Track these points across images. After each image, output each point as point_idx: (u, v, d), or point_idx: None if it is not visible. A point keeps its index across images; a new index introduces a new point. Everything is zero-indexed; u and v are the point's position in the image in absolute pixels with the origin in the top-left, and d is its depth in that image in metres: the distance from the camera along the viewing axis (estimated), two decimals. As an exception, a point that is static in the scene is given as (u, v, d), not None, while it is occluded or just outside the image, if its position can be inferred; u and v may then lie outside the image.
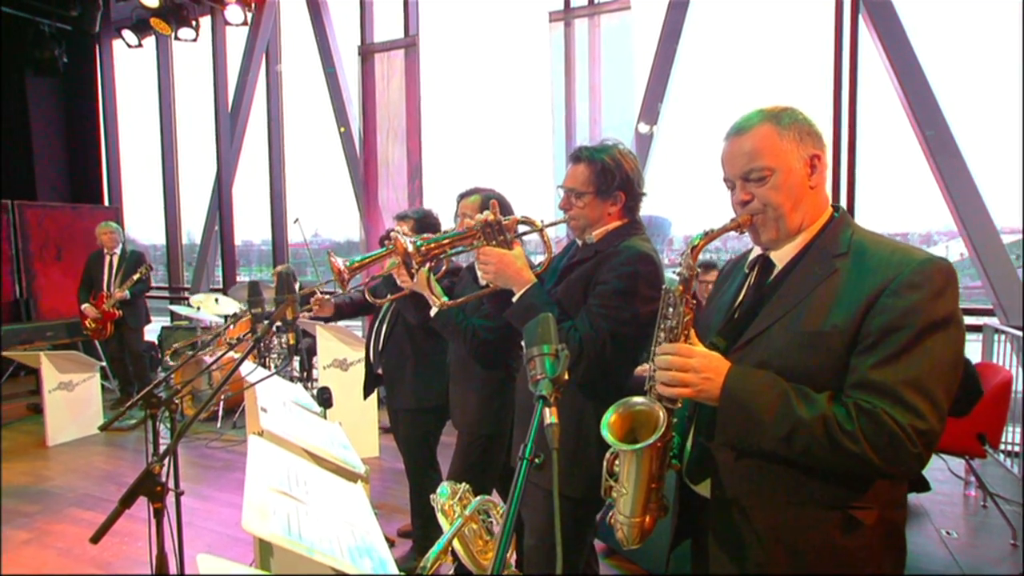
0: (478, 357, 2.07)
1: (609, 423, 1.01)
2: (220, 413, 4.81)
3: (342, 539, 1.22)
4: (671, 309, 1.05)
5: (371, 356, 2.85)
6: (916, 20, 4.55)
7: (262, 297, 1.62)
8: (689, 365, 1.01)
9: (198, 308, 5.04)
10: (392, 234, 2.00)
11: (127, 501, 1.06)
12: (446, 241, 1.56)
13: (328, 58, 6.75)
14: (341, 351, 3.98)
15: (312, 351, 5.20)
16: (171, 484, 1.34)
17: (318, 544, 1.12)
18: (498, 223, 1.55)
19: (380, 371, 2.79)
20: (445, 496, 1.04)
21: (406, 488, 2.82)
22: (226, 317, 5.12)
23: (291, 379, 4.88)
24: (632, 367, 1.64)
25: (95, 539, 1.05)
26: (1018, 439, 3.88)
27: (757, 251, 1.17)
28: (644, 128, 5.51)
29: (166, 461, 1.23)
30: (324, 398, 2.39)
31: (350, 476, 1.68)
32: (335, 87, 6.79)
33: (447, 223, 2.75)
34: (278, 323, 1.38)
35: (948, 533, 3.07)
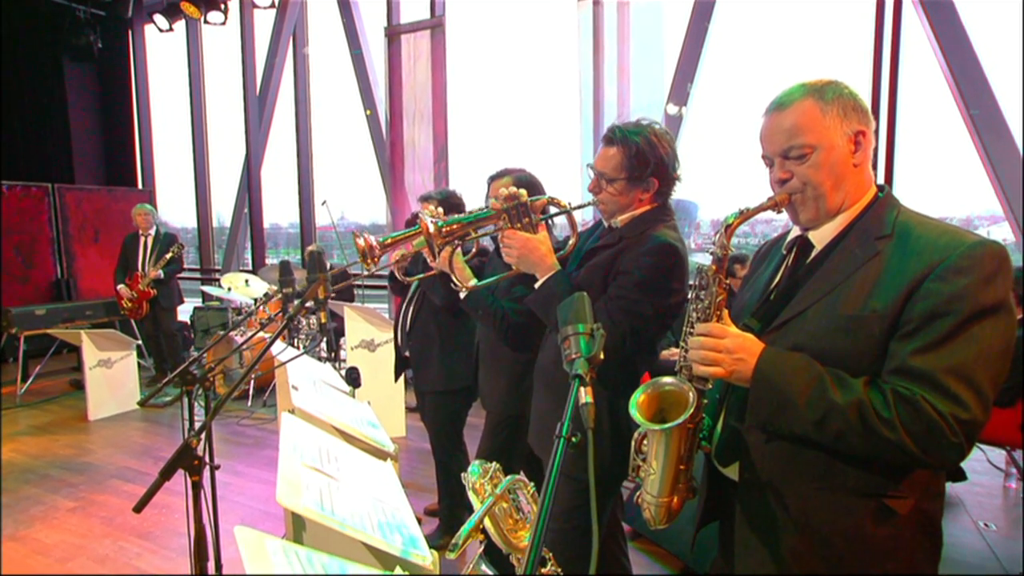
0: (508, 340, 2.06)
1: (638, 403, 1.00)
2: (251, 392, 4.93)
3: (372, 515, 1.24)
4: (704, 289, 1.03)
5: (399, 338, 2.87)
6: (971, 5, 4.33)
7: (293, 277, 1.64)
8: (722, 345, 0.98)
9: (229, 289, 5.14)
10: (418, 215, 2.00)
11: (167, 473, 1.09)
12: (469, 222, 1.55)
13: (355, 40, 6.75)
14: (369, 332, 4.03)
15: (339, 331, 5.28)
16: (206, 459, 1.37)
17: (350, 519, 1.14)
18: (523, 205, 1.52)
19: (407, 353, 2.82)
20: (476, 475, 1.04)
21: (432, 468, 2.86)
22: (256, 299, 5.22)
23: (319, 359, 4.97)
24: (651, 357, 1.61)
25: (138, 508, 1.08)
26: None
27: (796, 232, 1.13)
28: (673, 109, 5.39)
29: (202, 436, 1.26)
30: (353, 378, 2.42)
31: (380, 454, 1.70)
32: (361, 69, 6.79)
33: (473, 205, 2.74)
34: (309, 302, 1.39)
35: (986, 525, 2.99)
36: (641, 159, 1.48)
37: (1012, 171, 4.39)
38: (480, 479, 1.03)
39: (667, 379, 1.03)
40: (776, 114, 1.05)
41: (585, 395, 0.77)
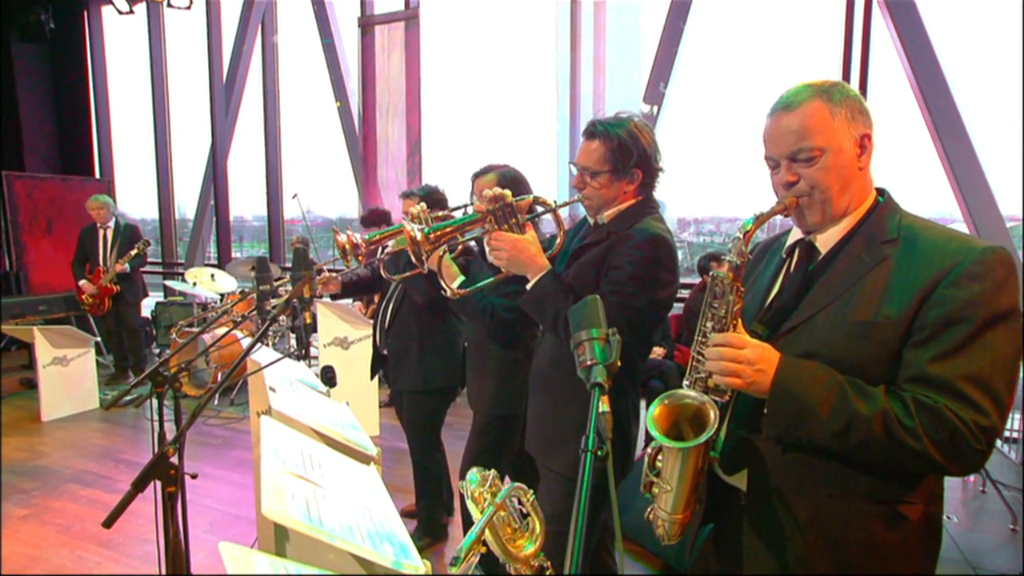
0: (496, 337, 2.02)
1: (654, 417, 0.96)
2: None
3: (361, 524, 1.18)
4: (719, 298, 1.00)
5: (377, 336, 2.80)
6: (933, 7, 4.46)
7: (270, 274, 1.57)
8: (743, 356, 0.96)
9: (194, 284, 4.96)
10: (404, 218, 1.94)
11: (140, 485, 1.02)
12: (456, 227, 1.50)
13: (326, 29, 6.58)
14: (342, 329, 3.93)
15: (310, 328, 5.15)
16: (183, 468, 1.29)
17: (339, 530, 1.08)
18: (509, 206, 1.48)
19: (385, 351, 2.75)
20: (475, 483, 1.00)
21: (407, 467, 2.81)
22: (223, 294, 5.05)
23: (290, 357, 4.83)
24: (647, 351, 1.60)
25: (108, 523, 1.00)
26: (1017, 426, 3.91)
27: (796, 235, 1.11)
28: (645, 108, 5.42)
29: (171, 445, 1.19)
30: (328, 377, 2.34)
31: (362, 458, 1.64)
32: (333, 59, 6.63)
33: (454, 201, 2.68)
34: (294, 301, 1.32)
35: (948, 517, 3.09)
36: (624, 151, 1.46)
37: (970, 173, 4.55)
38: (479, 487, 0.99)
39: (686, 392, 1.01)
40: (783, 114, 1.03)
41: (602, 404, 0.74)
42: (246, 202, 7.58)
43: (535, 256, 1.47)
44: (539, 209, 1.54)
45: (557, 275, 1.48)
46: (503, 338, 2.06)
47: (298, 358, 4.91)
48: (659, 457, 1.01)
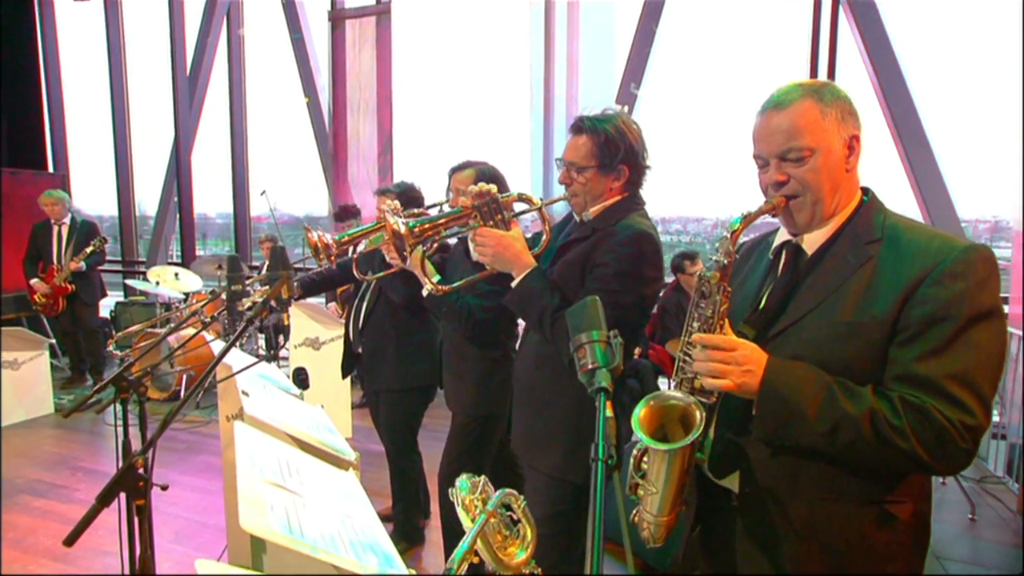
0: (473, 337, 1.99)
1: (640, 418, 0.95)
2: (182, 392, 4.60)
3: (343, 534, 1.14)
4: (706, 298, 0.99)
5: (350, 335, 2.73)
6: (893, 9, 4.59)
7: (243, 273, 1.50)
8: (731, 357, 0.95)
9: (157, 283, 4.77)
10: (381, 214, 1.89)
11: (106, 499, 0.95)
12: (441, 221, 1.47)
13: (295, 23, 6.42)
14: (313, 329, 3.83)
15: (279, 329, 5.02)
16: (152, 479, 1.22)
17: (320, 542, 1.03)
18: (495, 201, 1.45)
19: (360, 351, 2.69)
20: (466, 490, 0.96)
21: (381, 470, 2.75)
22: (187, 293, 4.87)
23: (258, 358, 4.70)
24: (632, 350, 1.59)
25: (69, 541, 0.94)
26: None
27: (783, 236, 1.11)
28: (617, 108, 5.45)
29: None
30: (301, 379, 2.28)
31: (341, 463, 1.59)
32: (302, 54, 6.48)
33: (430, 199, 2.64)
34: (273, 302, 1.26)
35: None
36: (611, 146, 1.45)
37: (930, 177, 4.70)
38: (470, 495, 0.96)
39: (672, 393, 0.99)
40: (774, 113, 1.02)
41: (607, 409, 0.71)
42: (210, 199, 7.35)
43: (520, 253, 1.45)
44: (524, 206, 1.52)
45: (543, 273, 1.46)
46: (481, 338, 2.03)
47: (268, 360, 4.79)
48: (644, 459, 1.00)
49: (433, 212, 2.19)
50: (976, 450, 0.89)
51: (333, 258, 1.91)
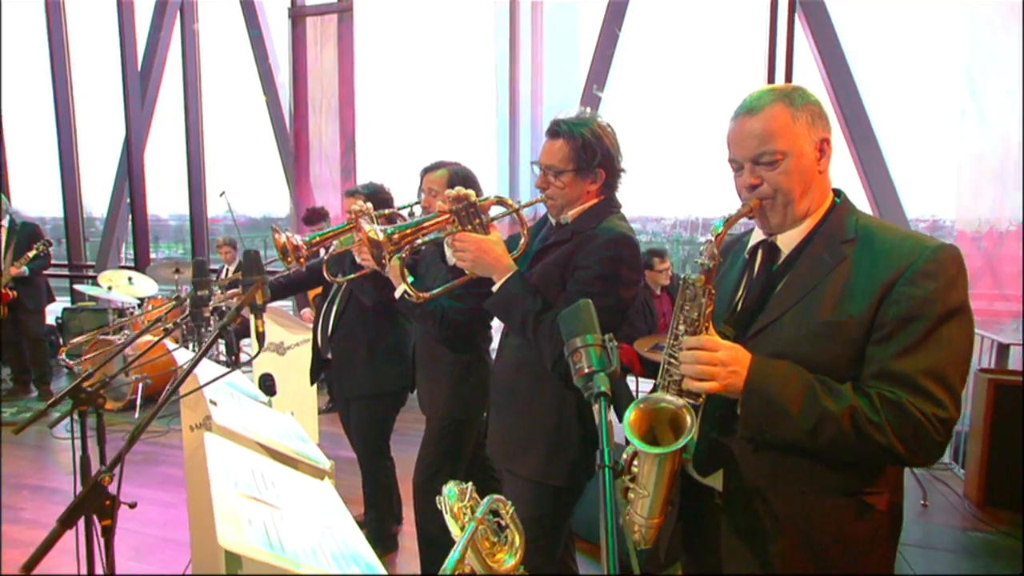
0: (447, 340, 1.96)
1: (630, 421, 0.95)
2: (138, 402, 4.41)
3: (325, 546, 1.11)
4: (691, 301, 1.01)
5: (319, 340, 2.67)
6: (845, 17, 4.78)
7: (210, 277, 1.44)
8: (716, 359, 0.96)
9: (109, 288, 4.56)
10: (357, 221, 1.85)
11: (69, 521, 0.90)
12: (419, 227, 1.44)
13: (253, 19, 6.24)
14: (278, 334, 3.73)
15: (241, 333, 4.87)
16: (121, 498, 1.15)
17: (302, 556, 1.00)
18: (472, 205, 1.44)
19: (329, 356, 2.63)
20: (454, 498, 0.95)
21: (351, 476, 2.70)
22: (142, 299, 4.68)
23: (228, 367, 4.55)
24: None
25: (28, 567, 0.88)
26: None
27: (758, 236, 1.14)
28: (591, 111, 5.49)
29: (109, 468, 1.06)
30: (268, 386, 2.22)
31: (316, 472, 1.55)
32: (261, 51, 6.30)
33: (399, 200, 2.60)
34: (246, 308, 1.22)
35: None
36: (588, 150, 1.46)
37: (879, 178, 4.90)
38: (458, 502, 0.94)
39: (662, 396, 1.00)
40: (746, 118, 1.04)
41: (597, 413, 0.71)
42: (163, 200, 7.08)
43: (501, 257, 1.44)
44: (501, 210, 1.51)
45: (524, 276, 1.46)
46: (455, 341, 2.01)
47: (227, 366, 4.63)
48: (635, 462, 1.00)
49: (405, 213, 2.17)
50: (948, 442, 0.92)
51: (303, 260, 1.86)
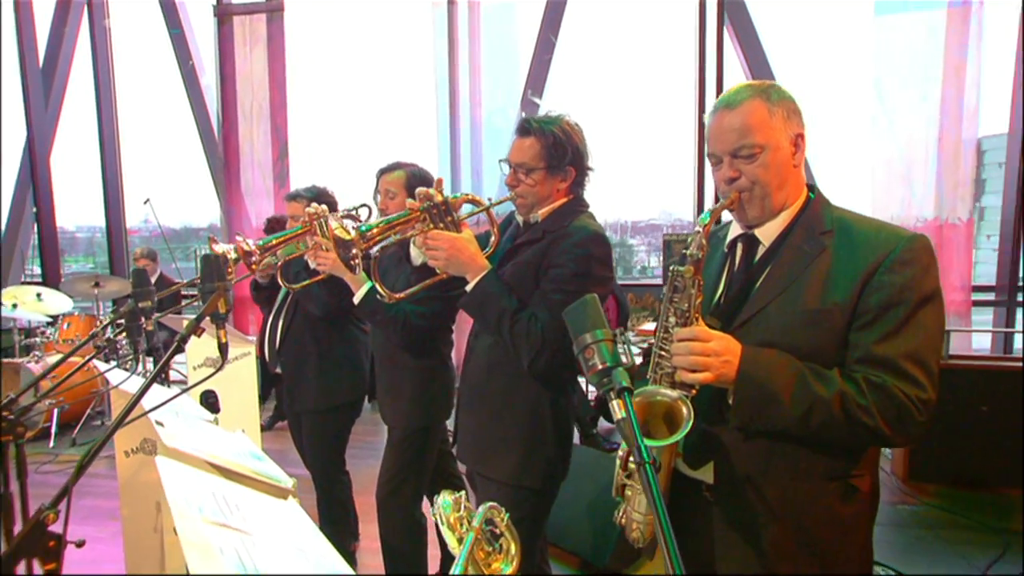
0: (409, 345, 1.90)
1: None
2: (53, 429, 4.02)
3: (300, 568, 1.03)
4: (680, 292, 1.01)
5: (266, 354, 2.52)
6: (768, 27, 5.05)
7: (151, 288, 1.31)
8: (709, 349, 0.97)
9: (14, 306, 4.14)
10: (312, 224, 1.76)
11: (8, 565, 0.78)
12: (390, 224, 1.38)
13: (173, 17, 5.87)
14: (214, 347, 3.49)
15: (171, 347, 4.54)
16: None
17: (282, 582, 0.92)
18: (444, 203, 1.40)
19: (278, 370, 2.49)
20: (448, 508, 0.90)
21: (303, 493, 2.55)
22: (54, 316, 4.28)
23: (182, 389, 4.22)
24: None
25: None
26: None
27: (736, 229, 1.16)
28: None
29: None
30: (211, 403, 2.08)
31: (278, 492, 1.44)
32: (183, 52, 5.93)
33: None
34: (207, 318, 1.11)
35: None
36: (559, 148, 1.45)
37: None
38: (454, 512, 0.89)
39: (658, 389, 0.99)
40: (725, 113, 1.06)
41: (621, 410, 0.68)
42: (71, 209, 6.52)
43: (475, 256, 1.41)
44: (471, 208, 1.47)
45: (499, 275, 1.42)
46: (417, 347, 1.95)
47: (159, 383, 4.31)
48: (631, 458, 0.99)
49: (363, 215, 2.08)
50: (928, 421, 0.96)
51: (256, 266, 1.75)
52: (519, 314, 1.37)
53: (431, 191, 1.39)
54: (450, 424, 1.94)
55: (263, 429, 4.07)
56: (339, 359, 2.41)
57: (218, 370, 1.11)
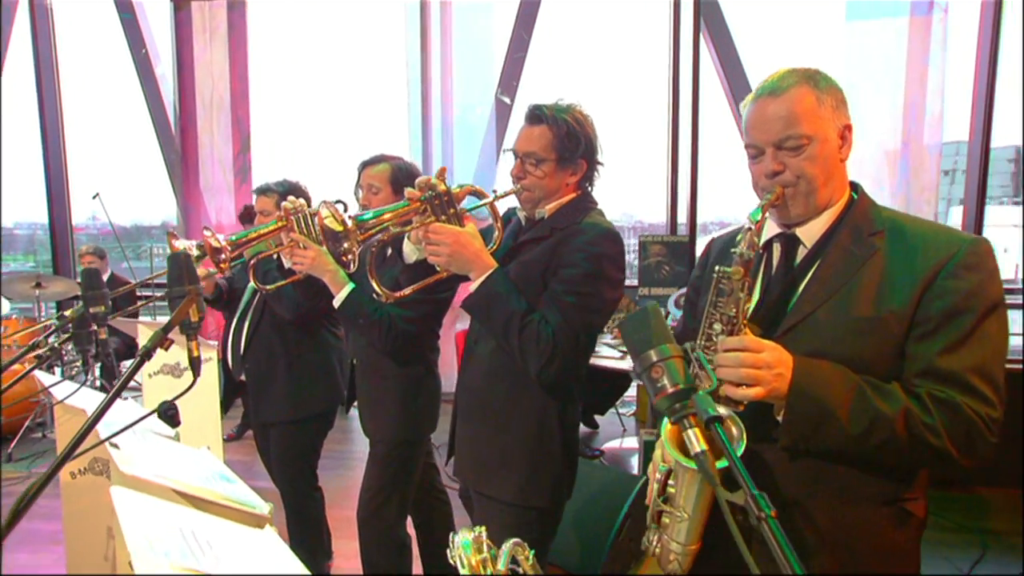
0: (395, 352, 1.75)
1: (669, 435, 0.82)
2: (-11, 444, 3.69)
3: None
4: (727, 296, 0.90)
5: (229, 361, 2.33)
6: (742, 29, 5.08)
7: (104, 292, 1.13)
8: (761, 361, 0.86)
9: (-56, 309, 3.79)
10: (289, 220, 1.60)
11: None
12: (387, 215, 1.24)
13: (124, 1, 5.52)
14: (172, 354, 3.24)
15: (124, 354, 4.24)
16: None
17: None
18: (447, 193, 1.27)
19: (243, 378, 2.29)
20: (469, 549, 0.77)
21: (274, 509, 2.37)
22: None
23: (94, 388, 3.92)
24: (590, 355, 1.48)
25: None
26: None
27: (771, 229, 1.07)
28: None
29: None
30: (170, 415, 1.88)
31: (253, 520, 1.28)
32: (136, 37, 5.58)
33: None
34: (178, 325, 0.95)
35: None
36: (572, 138, 1.35)
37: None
38: (475, 554, 0.77)
39: None
40: (769, 100, 0.97)
41: (699, 442, 0.57)
42: (7, 205, 6.05)
43: (480, 252, 1.28)
44: (475, 200, 1.34)
45: (507, 274, 1.30)
46: (402, 353, 1.81)
47: (106, 391, 4.01)
48: (670, 482, 0.88)
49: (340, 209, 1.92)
50: (996, 442, 0.88)
51: (227, 264, 1.59)
52: (528, 317, 1.26)
53: (433, 180, 1.25)
54: (438, 435, 1.79)
55: (231, 439, 3.84)
56: (311, 366, 2.24)
57: (189, 388, 0.95)
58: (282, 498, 2.30)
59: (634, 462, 3.82)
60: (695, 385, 0.64)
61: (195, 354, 0.91)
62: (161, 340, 0.87)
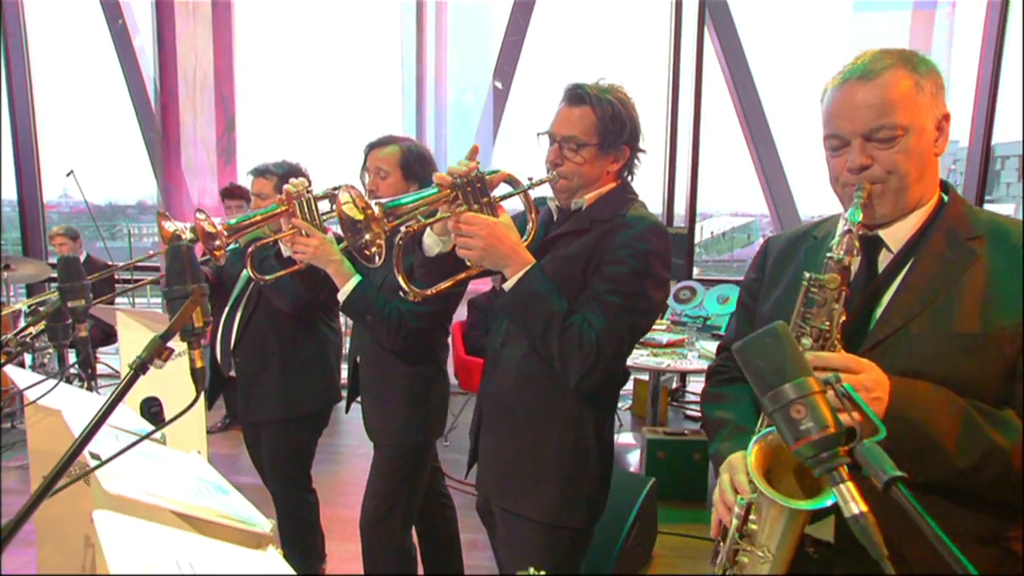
0: (403, 350, 1.62)
1: (753, 462, 0.71)
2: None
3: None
4: (820, 307, 0.79)
5: (218, 354, 2.18)
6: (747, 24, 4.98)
7: (84, 283, 0.98)
8: (859, 383, 0.76)
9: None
10: (291, 204, 1.46)
11: None
12: (418, 202, 1.10)
13: (99, -34, 5.23)
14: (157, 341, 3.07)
15: (100, 340, 4.03)
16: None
17: None
18: (480, 179, 1.13)
19: (232, 374, 2.14)
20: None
21: (263, 508, 2.24)
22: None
23: (68, 381, 3.71)
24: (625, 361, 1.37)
25: None
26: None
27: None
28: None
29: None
30: (154, 413, 1.76)
31: (253, 540, 1.15)
32: (112, 8, 5.30)
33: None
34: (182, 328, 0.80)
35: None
36: (616, 122, 1.22)
37: (776, 177, 5.18)
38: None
39: None
40: (860, 85, 0.85)
41: (856, 503, 0.45)
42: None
43: (517, 246, 1.16)
44: (507, 189, 1.21)
45: (542, 270, 1.18)
46: (412, 352, 1.68)
47: (82, 382, 3.80)
48: (751, 517, 0.77)
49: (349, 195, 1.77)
50: None
51: (222, 251, 1.44)
52: (570, 319, 1.14)
53: (465, 162, 1.12)
54: (447, 441, 1.68)
55: (209, 432, 3.66)
56: (306, 361, 2.10)
57: (192, 404, 0.81)
58: (274, 500, 2.17)
59: (631, 459, 3.74)
60: (851, 429, 0.52)
61: (199, 365, 0.77)
62: (160, 349, 0.73)
